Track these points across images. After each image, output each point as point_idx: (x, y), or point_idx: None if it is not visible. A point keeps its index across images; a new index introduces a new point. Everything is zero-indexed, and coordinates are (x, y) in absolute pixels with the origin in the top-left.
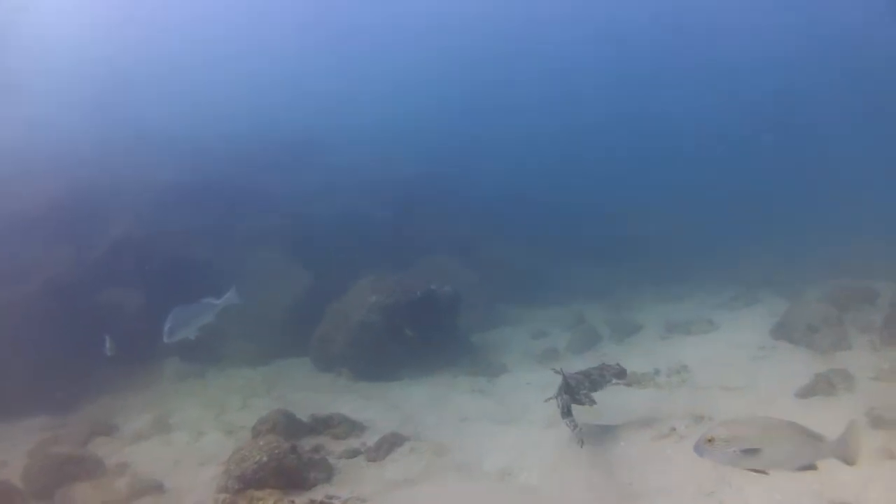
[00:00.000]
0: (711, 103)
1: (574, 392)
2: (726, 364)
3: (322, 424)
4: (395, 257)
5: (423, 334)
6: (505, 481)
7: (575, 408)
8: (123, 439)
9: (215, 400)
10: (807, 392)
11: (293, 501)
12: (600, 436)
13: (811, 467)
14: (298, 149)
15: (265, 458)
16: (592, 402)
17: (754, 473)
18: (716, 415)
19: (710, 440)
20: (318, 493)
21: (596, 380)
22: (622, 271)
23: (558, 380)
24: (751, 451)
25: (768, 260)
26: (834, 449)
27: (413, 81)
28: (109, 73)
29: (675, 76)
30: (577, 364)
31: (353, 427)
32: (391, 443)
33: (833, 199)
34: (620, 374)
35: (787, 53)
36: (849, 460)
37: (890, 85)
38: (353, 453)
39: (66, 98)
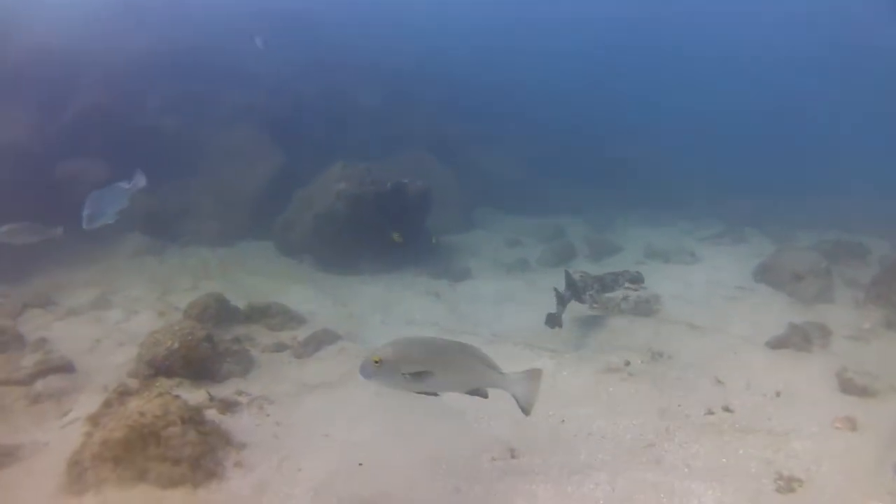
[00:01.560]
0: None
1: (580, 291)
2: (700, 300)
3: (259, 313)
4: (375, 147)
5: (390, 229)
6: (429, 399)
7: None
8: (56, 314)
9: (166, 279)
10: (779, 343)
11: (178, 396)
12: (543, 360)
13: (482, 394)
14: (289, 22)
15: (176, 345)
16: (594, 302)
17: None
18: (676, 353)
19: (377, 361)
20: (229, 387)
21: (608, 284)
22: (613, 192)
23: (521, 291)
24: (421, 374)
25: (764, 203)
26: (508, 384)
27: None
28: None
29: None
30: (547, 277)
31: (291, 319)
32: (321, 340)
33: (840, 159)
34: (635, 279)
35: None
36: (522, 403)
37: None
38: (281, 347)
39: None
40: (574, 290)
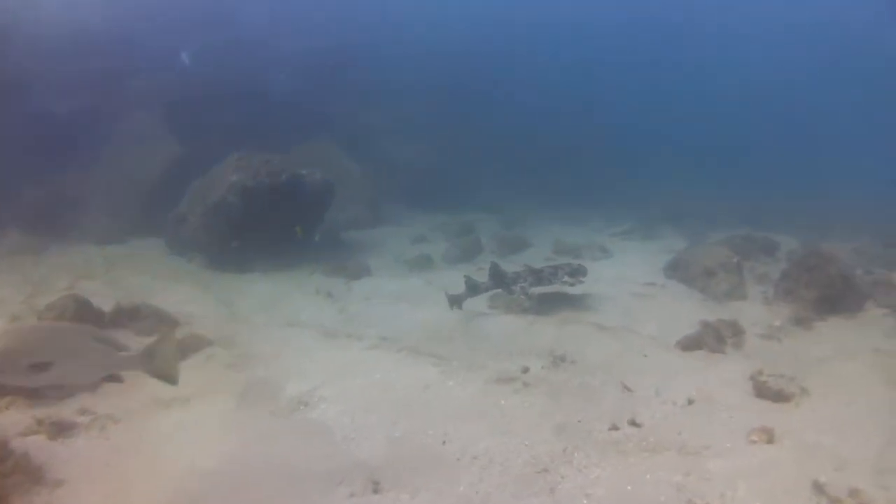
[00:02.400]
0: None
1: (509, 283)
2: (608, 297)
3: (126, 316)
4: (287, 137)
5: (286, 223)
6: (295, 414)
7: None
8: None
9: (40, 280)
10: (691, 343)
11: None
12: (427, 369)
13: (117, 379)
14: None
15: None
16: (524, 293)
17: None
18: (580, 357)
19: None
20: (72, 405)
21: (545, 277)
22: (528, 185)
23: (419, 290)
24: (40, 365)
25: (678, 200)
26: (138, 362)
27: None
28: None
29: None
30: (449, 275)
31: (163, 322)
32: (187, 346)
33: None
34: (576, 272)
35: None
36: (160, 375)
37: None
38: None
39: None
40: (499, 280)
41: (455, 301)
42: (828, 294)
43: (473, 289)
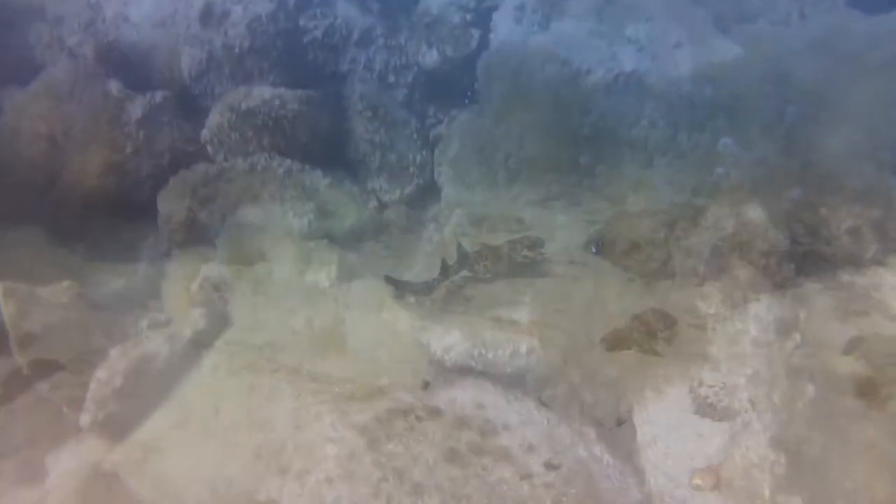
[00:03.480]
0: None
1: (472, 263)
2: (524, 283)
3: None
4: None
5: None
6: (136, 469)
7: None
8: None
9: None
10: (618, 341)
11: None
12: (306, 397)
13: None
14: None
15: None
16: (487, 272)
17: None
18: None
19: None
20: None
21: (504, 254)
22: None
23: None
24: None
25: (599, 161)
26: None
27: None
28: None
29: None
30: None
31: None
32: (29, 377)
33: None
34: (533, 245)
35: None
36: None
37: None
38: None
39: None
40: (465, 262)
41: (417, 290)
42: (761, 271)
43: (446, 273)
